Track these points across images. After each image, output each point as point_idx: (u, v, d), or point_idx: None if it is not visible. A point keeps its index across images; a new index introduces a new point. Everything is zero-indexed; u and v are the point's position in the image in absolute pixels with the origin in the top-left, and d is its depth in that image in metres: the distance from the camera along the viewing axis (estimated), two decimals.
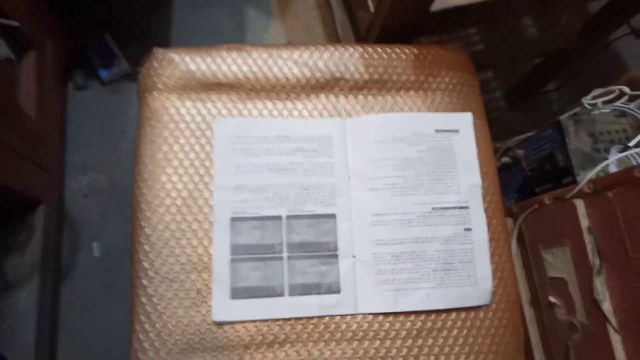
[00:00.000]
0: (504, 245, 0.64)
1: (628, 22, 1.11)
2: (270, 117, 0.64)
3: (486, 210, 0.64)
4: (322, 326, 0.58)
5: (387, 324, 0.59)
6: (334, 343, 0.58)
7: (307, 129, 0.64)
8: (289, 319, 0.58)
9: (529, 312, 0.77)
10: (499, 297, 0.62)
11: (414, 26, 0.74)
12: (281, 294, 0.58)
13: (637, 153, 0.67)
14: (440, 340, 0.59)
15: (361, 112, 0.66)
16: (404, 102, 0.67)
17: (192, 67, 0.64)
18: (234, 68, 0.65)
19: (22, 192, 0.89)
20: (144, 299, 0.57)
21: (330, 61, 0.67)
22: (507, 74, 1.25)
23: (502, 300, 0.62)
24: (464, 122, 0.67)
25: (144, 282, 0.57)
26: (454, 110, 0.68)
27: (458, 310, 0.60)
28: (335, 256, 0.60)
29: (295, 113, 0.65)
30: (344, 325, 0.58)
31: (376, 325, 0.59)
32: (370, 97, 0.67)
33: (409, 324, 0.59)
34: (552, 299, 0.69)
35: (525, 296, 0.77)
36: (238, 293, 0.58)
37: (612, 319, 0.59)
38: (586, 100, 0.77)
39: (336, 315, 0.58)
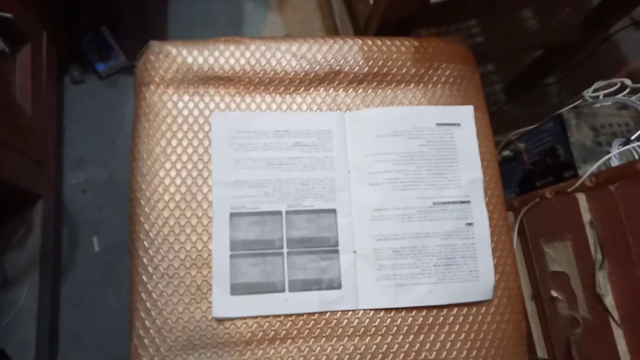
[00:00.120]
0: (505, 240, 0.63)
1: (629, 14, 1.10)
2: (268, 111, 0.63)
3: (487, 204, 0.63)
4: (323, 322, 0.58)
5: (389, 320, 0.59)
6: (335, 339, 0.57)
7: (306, 123, 0.63)
8: (290, 315, 0.57)
9: (530, 306, 0.77)
10: (500, 292, 0.61)
11: (413, 18, 0.73)
12: (281, 290, 0.58)
13: (639, 146, 0.67)
14: (442, 336, 0.59)
15: (361, 106, 0.65)
16: (404, 95, 0.66)
17: (189, 60, 0.63)
18: (232, 61, 0.64)
19: (19, 187, 0.89)
20: (143, 295, 0.56)
21: (329, 54, 0.66)
22: (507, 66, 1.24)
23: (504, 295, 0.61)
24: (465, 116, 0.66)
25: (144, 278, 0.57)
26: (454, 103, 0.67)
27: (460, 305, 0.60)
28: (336, 251, 0.60)
29: (294, 107, 0.64)
30: (344, 321, 0.58)
31: (377, 321, 0.58)
32: (369, 91, 0.66)
33: (410, 319, 0.59)
34: (553, 293, 0.69)
35: (526, 290, 0.77)
36: (238, 289, 0.57)
37: (614, 313, 0.58)
38: (587, 93, 0.76)
39: (337, 311, 0.58)
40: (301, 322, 0.57)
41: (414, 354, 0.58)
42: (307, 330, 0.57)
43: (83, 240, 1.07)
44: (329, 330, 0.58)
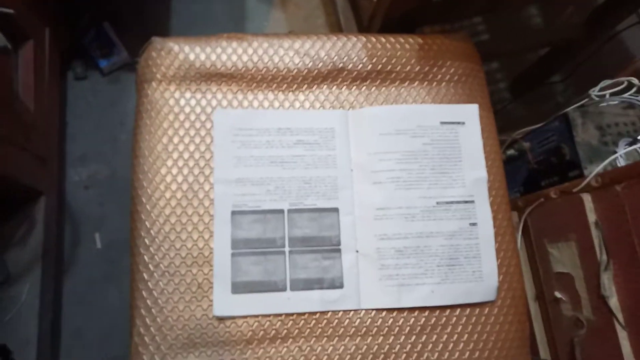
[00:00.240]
0: (509, 240, 0.63)
1: (636, 12, 1.09)
2: (271, 109, 0.63)
3: (492, 204, 0.63)
4: (324, 321, 0.57)
5: (391, 320, 0.58)
6: (336, 339, 0.57)
7: (309, 121, 0.63)
8: (291, 314, 0.57)
9: (533, 307, 0.76)
10: (504, 292, 0.61)
11: (417, 15, 0.72)
12: (283, 289, 0.57)
13: None
14: (444, 337, 0.58)
15: (364, 104, 0.65)
16: (407, 93, 0.66)
17: (192, 56, 0.62)
18: (234, 58, 0.63)
19: (21, 184, 0.89)
20: (144, 293, 0.56)
21: (333, 51, 0.65)
22: (511, 65, 1.23)
23: (507, 296, 0.61)
24: (470, 114, 0.65)
25: (145, 275, 0.56)
26: (459, 101, 0.66)
27: (462, 306, 0.59)
28: (338, 251, 0.59)
29: (297, 104, 0.64)
30: (346, 321, 0.58)
31: (379, 321, 0.58)
32: (373, 88, 0.65)
33: (412, 319, 0.58)
34: (557, 294, 0.68)
35: (530, 291, 0.76)
36: (239, 287, 0.57)
37: (619, 315, 0.58)
38: (594, 92, 0.75)
39: (339, 311, 0.58)
40: (302, 322, 0.57)
41: (416, 354, 0.57)
42: (308, 330, 0.57)
43: (85, 237, 1.07)
44: (331, 329, 0.57)
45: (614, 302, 0.58)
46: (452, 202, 0.62)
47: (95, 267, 1.05)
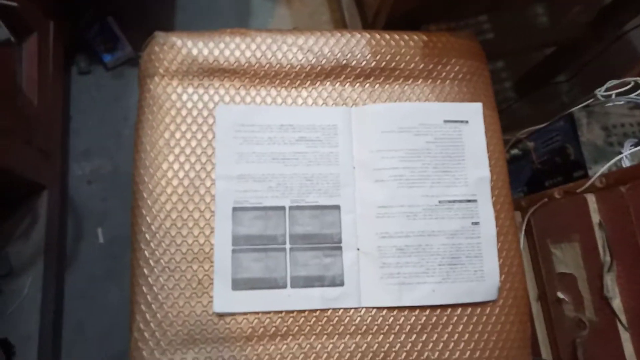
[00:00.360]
0: (512, 240, 0.62)
1: None
2: (273, 105, 0.63)
3: (494, 204, 0.62)
4: (324, 319, 0.57)
5: (391, 319, 0.58)
6: (336, 336, 0.57)
7: (312, 118, 0.62)
8: (292, 312, 0.57)
9: (535, 307, 0.76)
10: (506, 292, 0.60)
11: (422, 12, 0.72)
12: (283, 286, 0.57)
13: None
14: (445, 336, 0.58)
15: (367, 101, 0.64)
16: (411, 91, 0.65)
17: (194, 51, 0.62)
18: (237, 53, 0.63)
19: (24, 177, 0.89)
20: (144, 289, 0.56)
21: (336, 47, 0.65)
22: (516, 64, 1.23)
23: (509, 296, 0.60)
24: (474, 113, 0.65)
25: (145, 271, 0.56)
26: (463, 100, 0.66)
27: (464, 305, 0.59)
28: (339, 248, 0.59)
29: (300, 101, 0.63)
30: (347, 319, 0.57)
31: (380, 319, 0.58)
32: (377, 86, 0.65)
33: (413, 318, 0.58)
34: (560, 295, 0.68)
35: (532, 291, 0.76)
36: (239, 284, 0.57)
37: (622, 317, 0.57)
38: (599, 92, 0.75)
39: (339, 309, 0.57)
40: (303, 319, 0.57)
41: (416, 353, 0.57)
42: (308, 327, 0.57)
43: (88, 232, 1.07)
44: (331, 327, 0.57)
45: (617, 304, 0.58)
46: (454, 201, 0.61)
47: (97, 262, 1.05)
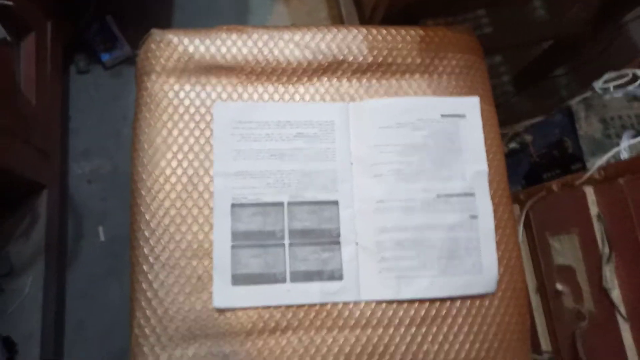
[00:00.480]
0: (510, 233, 0.62)
1: None
2: (271, 101, 0.63)
3: (492, 197, 0.62)
4: (324, 313, 0.57)
5: (390, 312, 0.58)
6: (336, 330, 0.57)
7: (309, 114, 0.62)
8: (291, 306, 0.57)
9: (534, 299, 0.76)
10: (505, 285, 0.60)
11: (419, 7, 0.72)
12: (283, 281, 0.57)
13: None
14: (445, 329, 0.58)
15: (365, 96, 0.64)
16: (408, 85, 0.65)
17: (191, 49, 0.62)
18: (234, 50, 0.63)
19: (23, 177, 0.89)
20: (144, 285, 0.56)
21: (333, 43, 0.65)
22: (514, 58, 1.22)
23: (508, 289, 0.60)
24: (471, 107, 0.65)
25: (144, 268, 0.57)
26: (460, 94, 0.66)
27: (462, 298, 0.59)
28: (338, 243, 0.59)
29: (297, 97, 0.63)
30: (346, 313, 0.58)
31: (379, 313, 0.58)
32: (374, 81, 0.65)
33: (412, 311, 0.58)
34: (559, 287, 0.68)
35: (531, 284, 0.76)
36: (239, 279, 0.57)
37: (621, 308, 0.57)
38: (597, 85, 0.75)
39: (338, 303, 0.58)
40: (302, 313, 0.57)
41: (415, 346, 0.57)
42: (308, 321, 0.57)
43: (88, 231, 1.08)
44: (330, 321, 0.57)
45: (616, 295, 0.58)
46: (452, 195, 0.61)
47: (98, 261, 1.06)
